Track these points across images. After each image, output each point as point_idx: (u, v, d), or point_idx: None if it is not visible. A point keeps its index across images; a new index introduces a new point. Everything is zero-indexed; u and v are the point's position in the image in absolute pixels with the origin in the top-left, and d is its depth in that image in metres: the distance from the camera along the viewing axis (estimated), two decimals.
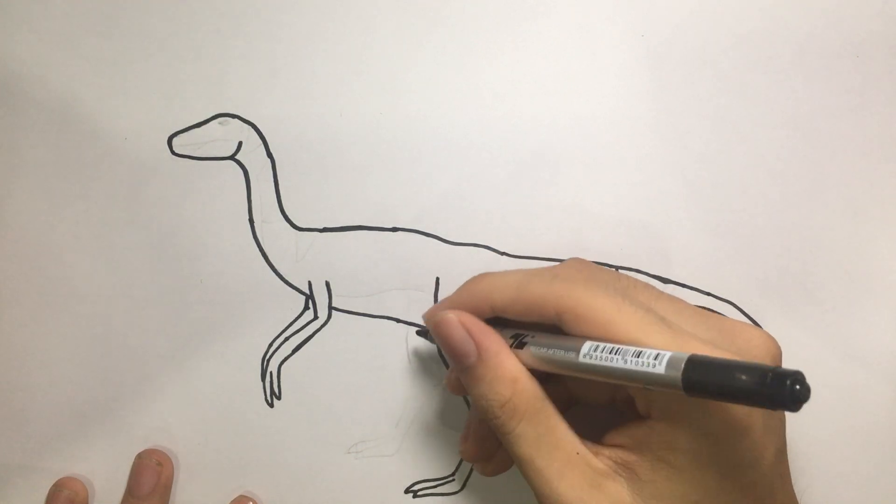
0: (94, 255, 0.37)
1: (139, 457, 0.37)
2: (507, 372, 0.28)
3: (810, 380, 0.22)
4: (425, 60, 0.36)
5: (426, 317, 0.32)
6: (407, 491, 0.37)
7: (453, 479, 0.37)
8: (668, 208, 0.35)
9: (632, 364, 0.25)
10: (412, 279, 0.36)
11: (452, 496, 0.37)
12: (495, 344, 0.29)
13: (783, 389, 0.21)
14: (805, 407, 0.21)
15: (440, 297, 0.36)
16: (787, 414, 0.27)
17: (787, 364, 0.35)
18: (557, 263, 0.32)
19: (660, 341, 0.26)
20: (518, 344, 0.29)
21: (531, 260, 0.36)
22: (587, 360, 0.26)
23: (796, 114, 0.35)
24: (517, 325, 0.30)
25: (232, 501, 0.37)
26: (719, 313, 0.31)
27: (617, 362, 0.25)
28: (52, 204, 0.37)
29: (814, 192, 0.35)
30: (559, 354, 0.27)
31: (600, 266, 0.32)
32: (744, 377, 0.22)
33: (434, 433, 0.37)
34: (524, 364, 0.29)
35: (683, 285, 0.35)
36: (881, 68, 0.34)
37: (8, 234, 0.37)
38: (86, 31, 0.36)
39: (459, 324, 0.29)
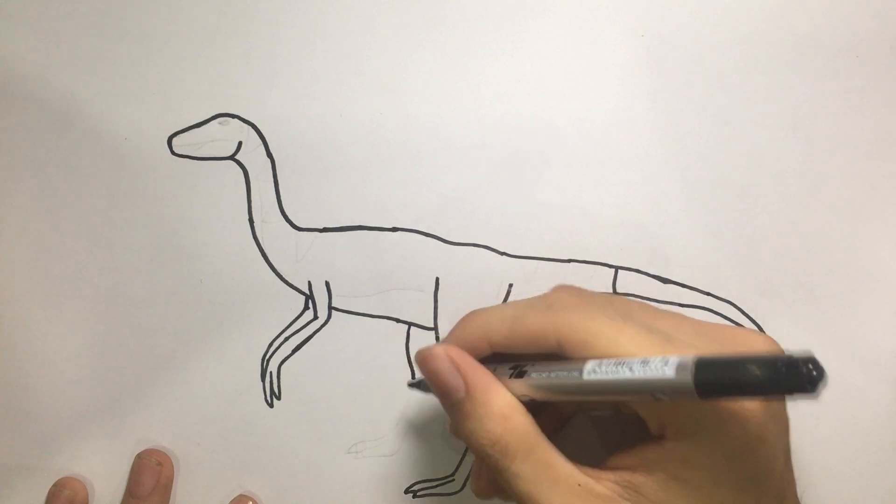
0: (94, 254, 0.37)
1: (139, 457, 0.37)
2: (498, 408, 0.28)
3: None
4: (425, 60, 0.36)
5: (416, 355, 0.30)
6: (407, 491, 0.37)
7: (453, 479, 0.37)
8: (668, 208, 0.35)
9: (639, 373, 0.24)
10: (412, 279, 0.36)
11: (452, 496, 0.37)
12: (483, 380, 0.28)
13: (799, 374, 0.20)
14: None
15: (439, 298, 0.36)
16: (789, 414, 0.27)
17: None
18: (546, 293, 0.31)
19: (657, 348, 0.25)
20: (518, 373, 0.28)
21: (531, 260, 0.36)
22: (592, 377, 0.25)
23: (796, 114, 0.35)
24: (516, 358, 0.29)
25: (232, 501, 0.37)
26: (719, 323, 0.30)
27: (623, 374, 0.25)
28: (52, 204, 0.37)
29: (814, 192, 0.35)
30: (562, 377, 0.27)
31: (590, 290, 0.32)
32: (756, 369, 0.21)
33: (434, 433, 0.37)
34: (526, 393, 0.28)
35: (683, 285, 0.35)
36: (881, 68, 0.34)
37: (8, 234, 0.37)
38: (86, 31, 0.36)
39: (447, 358, 0.28)
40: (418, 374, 0.31)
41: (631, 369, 0.24)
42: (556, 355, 0.28)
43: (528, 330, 0.28)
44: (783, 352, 0.28)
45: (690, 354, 0.23)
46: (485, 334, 0.29)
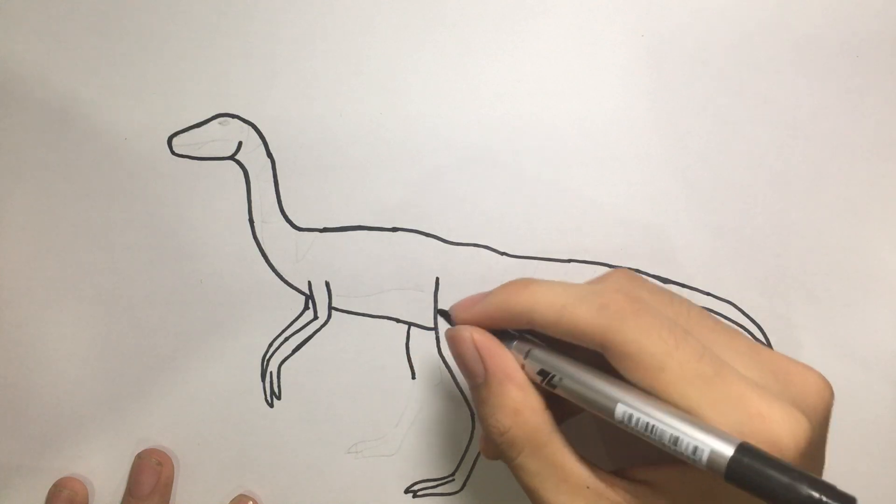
0: (94, 255, 0.37)
1: (139, 457, 0.37)
2: (510, 402, 0.27)
3: None
4: (425, 60, 0.36)
5: (456, 309, 0.30)
6: (407, 491, 0.37)
7: (453, 479, 0.37)
8: (668, 208, 0.35)
9: (669, 449, 0.24)
10: (412, 279, 0.36)
11: (452, 496, 0.37)
12: (502, 370, 0.28)
13: None
14: None
15: (439, 298, 0.36)
16: None
17: None
18: (604, 283, 0.30)
19: (707, 406, 0.24)
20: (548, 382, 0.27)
21: (531, 260, 0.36)
22: (621, 424, 0.25)
23: (796, 114, 0.35)
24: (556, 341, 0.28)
25: (232, 501, 0.37)
26: (775, 352, 0.30)
27: (652, 440, 0.24)
28: (52, 204, 0.37)
29: (814, 192, 0.35)
30: (591, 403, 0.26)
31: (651, 285, 0.30)
32: (793, 486, 0.21)
33: (434, 433, 0.37)
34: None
35: (683, 285, 0.35)
36: (881, 68, 0.34)
37: (8, 234, 0.37)
38: (86, 31, 0.36)
39: (472, 342, 0.28)
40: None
41: (661, 442, 0.24)
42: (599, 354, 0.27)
43: (576, 326, 0.27)
44: (832, 399, 0.27)
45: (726, 446, 0.23)
46: (529, 313, 0.28)
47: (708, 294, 0.35)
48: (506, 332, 0.29)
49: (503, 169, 0.36)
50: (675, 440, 0.23)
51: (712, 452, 0.23)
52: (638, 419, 0.24)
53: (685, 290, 0.35)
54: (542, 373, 0.28)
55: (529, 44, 0.35)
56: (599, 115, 0.35)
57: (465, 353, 0.29)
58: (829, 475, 0.35)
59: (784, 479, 0.21)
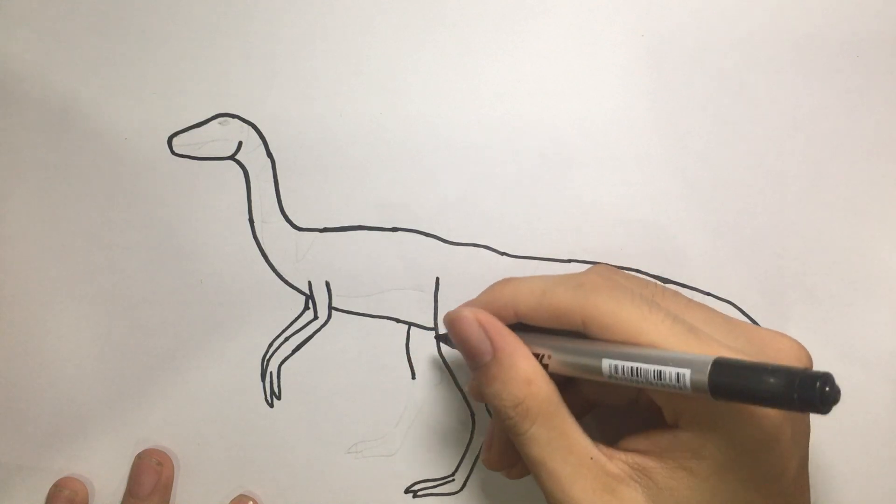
0: (94, 255, 0.37)
1: (139, 457, 0.37)
2: (522, 372, 0.28)
3: None
4: (425, 60, 0.36)
5: (445, 317, 0.31)
6: (407, 491, 0.37)
7: (453, 479, 0.37)
8: (668, 208, 0.35)
9: (656, 385, 0.25)
10: (412, 279, 0.36)
11: (452, 496, 0.37)
12: (511, 344, 0.29)
13: (812, 391, 0.21)
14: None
15: (439, 298, 0.36)
16: None
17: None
18: (583, 270, 0.32)
19: (685, 348, 0.26)
20: (540, 363, 0.29)
21: (531, 260, 0.36)
22: (608, 378, 0.26)
23: (796, 114, 0.35)
24: (541, 331, 0.30)
25: (232, 501, 0.37)
26: (752, 324, 0.31)
27: (641, 384, 0.25)
28: (52, 204, 0.37)
29: (814, 192, 0.35)
30: (580, 368, 0.27)
31: (627, 272, 0.32)
32: (772, 379, 0.22)
33: (434, 433, 0.37)
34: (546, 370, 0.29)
35: (683, 285, 0.35)
36: (881, 68, 0.34)
37: (8, 234, 0.37)
38: (86, 31, 0.36)
39: (476, 321, 0.29)
40: (442, 329, 0.32)
41: (648, 381, 0.25)
42: (581, 333, 0.28)
43: (555, 306, 0.28)
44: (809, 362, 0.28)
45: (709, 355, 0.24)
46: (512, 303, 0.30)
47: (708, 294, 0.35)
48: None
49: (503, 169, 0.36)
50: (659, 374, 0.25)
51: (693, 373, 0.24)
52: (623, 367, 0.26)
53: (685, 290, 0.35)
54: (535, 355, 0.29)
55: (529, 44, 0.35)
56: (599, 115, 0.35)
57: (470, 332, 0.29)
58: (829, 475, 0.35)
59: (766, 377, 0.22)
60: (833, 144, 0.35)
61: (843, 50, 0.35)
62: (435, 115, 0.36)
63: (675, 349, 0.25)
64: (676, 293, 0.30)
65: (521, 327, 0.30)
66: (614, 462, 0.27)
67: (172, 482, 0.37)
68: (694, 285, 0.35)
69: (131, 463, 0.37)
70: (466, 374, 0.36)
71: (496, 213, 0.36)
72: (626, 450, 0.28)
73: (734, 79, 0.35)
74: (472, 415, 0.37)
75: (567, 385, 0.30)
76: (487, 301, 0.31)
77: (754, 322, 0.35)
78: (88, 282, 0.37)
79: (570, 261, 0.36)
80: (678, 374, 0.24)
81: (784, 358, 0.28)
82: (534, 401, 0.28)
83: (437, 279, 0.36)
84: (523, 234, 0.36)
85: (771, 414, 0.25)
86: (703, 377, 0.23)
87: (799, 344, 0.29)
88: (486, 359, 0.29)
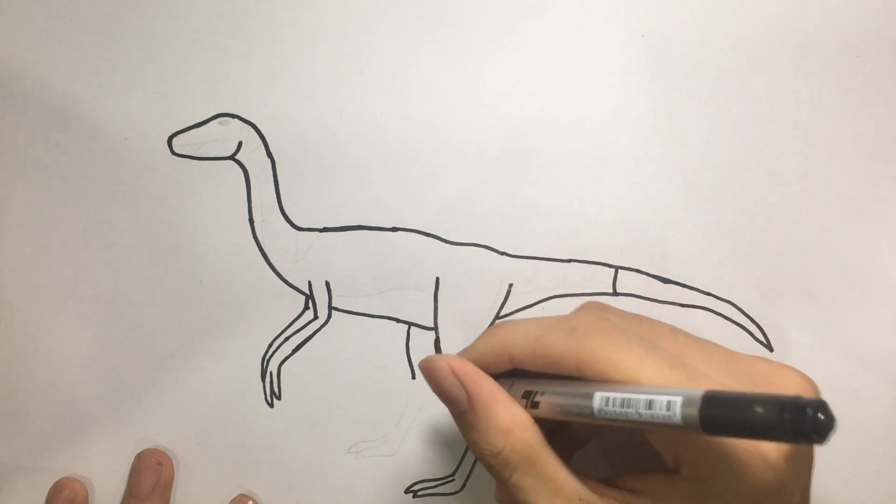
0: (94, 255, 0.37)
1: (139, 457, 0.37)
2: (499, 422, 0.27)
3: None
4: (425, 60, 0.36)
5: (420, 363, 0.30)
6: (407, 491, 0.37)
7: (453, 479, 0.37)
8: (668, 208, 0.35)
9: (646, 417, 0.24)
10: (412, 279, 0.36)
11: (452, 496, 0.37)
12: (487, 393, 0.28)
13: (804, 419, 0.20)
14: None
15: (439, 298, 0.36)
16: None
17: (787, 363, 0.35)
18: (575, 310, 0.31)
19: (680, 385, 0.25)
20: (531, 403, 0.28)
21: (531, 260, 0.36)
22: (602, 416, 0.25)
23: (796, 114, 0.35)
24: (537, 375, 0.29)
25: (232, 501, 0.37)
26: (758, 357, 0.29)
27: (630, 416, 0.24)
28: (52, 204, 0.37)
29: (814, 192, 0.35)
30: (573, 409, 0.26)
31: (620, 311, 0.31)
32: (761, 409, 0.21)
33: (434, 433, 0.37)
34: (538, 415, 0.28)
35: (683, 285, 0.35)
36: (881, 68, 0.34)
37: (8, 234, 0.37)
38: (86, 31, 0.36)
39: (449, 370, 0.28)
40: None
41: (638, 413, 0.24)
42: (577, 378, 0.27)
43: (549, 353, 0.27)
44: (816, 393, 0.27)
45: (697, 389, 0.23)
46: (506, 350, 0.29)
47: (708, 294, 0.35)
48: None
49: (503, 169, 0.36)
50: (650, 403, 0.23)
51: (684, 402, 0.23)
52: (614, 399, 0.25)
53: (685, 290, 0.35)
54: (525, 394, 0.28)
55: (529, 44, 0.35)
56: (599, 115, 0.35)
57: (444, 381, 0.28)
58: (829, 474, 0.35)
59: (756, 406, 0.21)
60: (833, 144, 0.35)
61: (842, 50, 0.35)
62: (435, 115, 0.36)
63: (667, 385, 0.25)
64: (675, 329, 0.29)
65: (518, 372, 0.29)
66: (605, 500, 0.27)
67: (172, 482, 0.37)
68: (694, 285, 0.35)
69: (131, 463, 0.37)
70: None
71: (496, 213, 0.36)
72: (621, 488, 0.27)
73: (734, 79, 0.35)
74: None
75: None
76: (481, 349, 0.30)
77: (754, 322, 0.35)
78: (88, 282, 0.37)
79: (569, 261, 0.36)
80: (668, 402, 0.23)
81: (788, 391, 0.27)
82: (512, 450, 0.27)
83: (437, 279, 0.36)
84: (523, 234, 0.36)
85: (776, 459, 0.24)
86: (694, 410, 0.22)
87: (805, 377, 0.28)
88: (461, 407, 0.28)
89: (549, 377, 0.28)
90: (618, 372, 0.25)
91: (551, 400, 0.27)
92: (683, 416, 0.23)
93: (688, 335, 0.29)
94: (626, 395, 0.24)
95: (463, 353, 0.30)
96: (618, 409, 0.24)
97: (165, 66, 0.36)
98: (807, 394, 0.27)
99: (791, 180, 0.35)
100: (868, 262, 0.35)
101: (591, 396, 0.25)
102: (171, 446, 0.37)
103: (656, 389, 0.24)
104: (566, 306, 0.34)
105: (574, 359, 0.26)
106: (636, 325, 0.29)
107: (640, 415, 0.24)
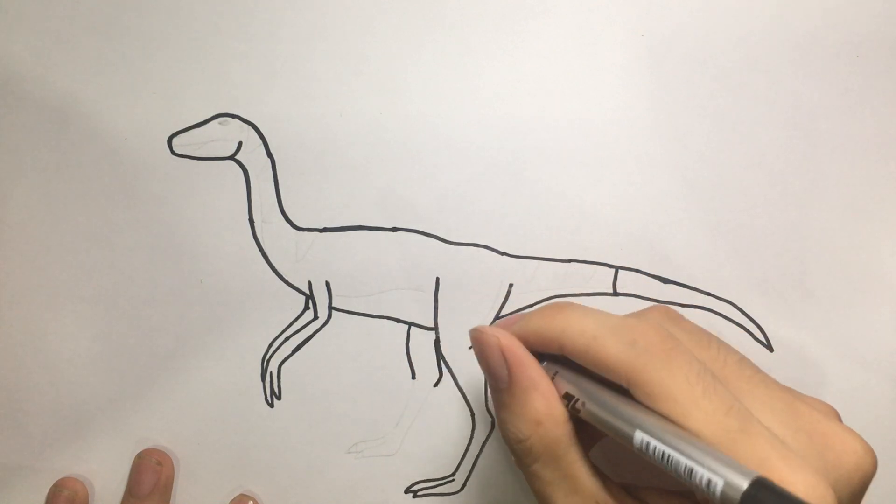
0: (94, 255, 0.37)
1: (139, 457, 0.37)
2: (533, 412, 0.27)
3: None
4: (425, 60, 0.36)
5: (471, 330, 0.29)
6: (407, 491, 0.37)
7: (453, 479, 0.37)
8: (668, 208, 0.35)
9: (684, 480, 0.23)
10: (412, 279, 0.36)
11: (452, 496, 0.37)
12: (528, 378, 0.27)
13: None
14: None
15: (439, 298, 0.36)
16: None
17: (787, 363, 0.35)
18: (640, 317, 0.28)
19: (731, 449, 0.23)
20: (572, 408, 0.27)
21: (531, 260, 0.36)
22: (638, 451, 0.24)
23: (796, 114, 0.35)
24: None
25: (232, 501, 0.37)
26: (818, 406, 0.28)
27: (668, 470, 0.23)
28: (52, 204, 0.37)
29: (814, 192, 0.35)
30: (611, 429, 0.25)
31: (691, 325, 0.29)
32: None
33: (434, 433, 0.37)
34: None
35: (683, 285, 0.35)
36: (881, 68, 0.34)
37: (8, 234, 0.37)
38: (86, 31, 0.36)
39: (498, 348, 0.27)
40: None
41: (677, 473, 0.23)
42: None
43: (602, 359, 0.26)
44: (872, 470, 0.26)
45: (749, 471, 0.22)
46: (559, 338, 0.27)
47: (708, 294, 0.35)
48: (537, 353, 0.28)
49: (503, 169, 0.36)
50: (690, 471, 0.22)
51: (726, 485, 0.21)
52: (655, 448, 0.24)
53: (685, 290, 0.35)
54: (567, 396, 0.27)
55: (529, 44, 0.35)
56: (599, 115, 0.35)
57: (490, 356, 0.28)
58: None
59: None
60: (833, 144, 0.35)
61: (842, 50, 0.35)
62: (435, 115, 0.36)
63: (719, 446, 0.23)
64: (743, 360, 0.28)
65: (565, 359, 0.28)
66: None
67: (172, 482, 0.37)
68: (694, 285, 0.35)
69: (131, 463, 0.37)
70: (466, 375, 0.36)
71: (496, 213, 0.36)
72: (643, 500, 0.26)
73: (734, 79, 0.35)
74: (472, 415, 0.37)
75: None
76: (534, 328, 0.28)
77: (754, 322, 0.35)
78: (88, 282, 0.37)
79: (570, 261, 0.36)
80: (709, 480, 0.22)
81: (845, 462, 0.25)
82: (539, 441, 0.26)
83: (437, 279, 0.36)
84: (523, 234, 0.36)
85: None
86: (736, 495, 0.21)
87: (866, 445, 0.26)
88: (500, 385, 0.28)
89: (597, 376, 0.27)
90: (667, 405, 0.24)
91: (592, 411, 0.26)
92: (722, 498, 0.22)
93: (755, 370, 0.27)
94: (667, 451, 0.23)
95: (516, 325, 0.29)
96: (657, 459, 0.23)
97: (165, 66, 0.36)
98: (865, 463, 0.26)
99: (791, 180, 0.35)
100: (868, 262, 0.35)
101: (631, 432, 0.24)
102: (171, 446, 0.37)
103: (700, 454, 0.23)
104: None
105: (626, 374, 0.25)
106: (704, 348, 0.28)
107: (678, 475, 0.23)
